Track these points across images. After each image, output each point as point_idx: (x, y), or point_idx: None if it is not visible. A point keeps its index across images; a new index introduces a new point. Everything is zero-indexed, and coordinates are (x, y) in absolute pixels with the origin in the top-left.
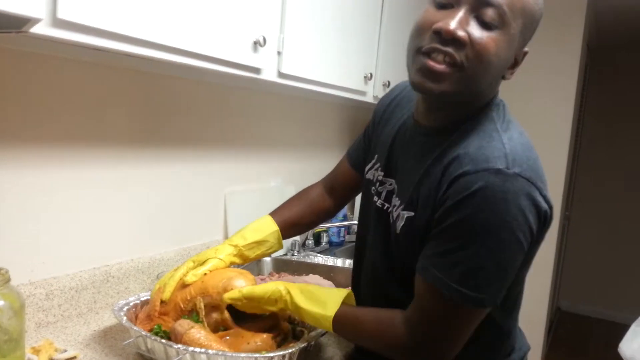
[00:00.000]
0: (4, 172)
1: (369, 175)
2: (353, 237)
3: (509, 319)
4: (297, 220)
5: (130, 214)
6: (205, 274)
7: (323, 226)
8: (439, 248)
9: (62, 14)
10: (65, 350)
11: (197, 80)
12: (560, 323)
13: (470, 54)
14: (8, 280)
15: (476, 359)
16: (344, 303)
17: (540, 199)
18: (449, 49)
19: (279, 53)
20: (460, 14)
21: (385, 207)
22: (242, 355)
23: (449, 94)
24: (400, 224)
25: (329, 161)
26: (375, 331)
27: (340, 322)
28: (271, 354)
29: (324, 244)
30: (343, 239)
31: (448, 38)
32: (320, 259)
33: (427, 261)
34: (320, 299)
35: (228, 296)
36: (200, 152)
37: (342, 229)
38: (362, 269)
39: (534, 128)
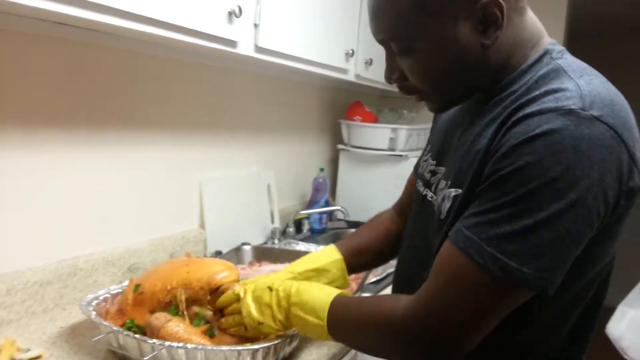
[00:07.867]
0: None
1: (420, 170)
2: (336, 224)
3: (564, 321)
4: (364, 246)
5: (99, 203)
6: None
7: (304, 213)
8: (480, 207)
9: None
10: (29, 350)
11: (170, 59)
12: None
13: (415, 83)
14: None
15: None
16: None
17: (625, 156)
18: (402, 90)
19: (255, 25)
20: (387, 61)
21: (429, 196)
22: (224, 348)
23: (449, 102)
24: (445, 206)
25: (310, 145)
26: (373, 321)
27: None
28: (256, 346)
29: (305, 231)
30: (325, 225)
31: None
32: (302, 247)
33: (460, 223)
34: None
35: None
36: (175, 136)
37: (324, 215)
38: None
39: None
